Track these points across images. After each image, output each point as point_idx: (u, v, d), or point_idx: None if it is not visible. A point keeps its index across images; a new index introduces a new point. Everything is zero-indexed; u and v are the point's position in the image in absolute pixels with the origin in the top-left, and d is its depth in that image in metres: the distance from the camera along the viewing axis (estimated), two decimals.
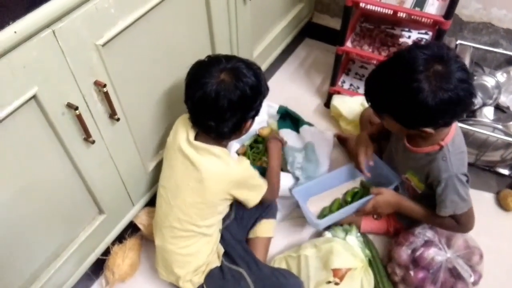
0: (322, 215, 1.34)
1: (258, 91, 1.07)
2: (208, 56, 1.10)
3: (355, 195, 1.36)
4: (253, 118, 1.13)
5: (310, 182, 1.36)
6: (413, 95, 0.93)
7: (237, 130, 1.10)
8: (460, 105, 0.96)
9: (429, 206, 1.19)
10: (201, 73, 1.04)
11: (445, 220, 1.16)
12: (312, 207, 1.36)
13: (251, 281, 1.17)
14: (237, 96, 1.02)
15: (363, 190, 1.37)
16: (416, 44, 1.01)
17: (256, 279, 1.17)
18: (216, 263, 1.21)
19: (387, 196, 1.23)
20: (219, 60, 1.06)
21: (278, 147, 1.38)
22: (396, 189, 1.29)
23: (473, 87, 0.96)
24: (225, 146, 1.15)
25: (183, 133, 1.11)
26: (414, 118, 0.99)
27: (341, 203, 1.36)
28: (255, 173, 1.19)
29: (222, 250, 1.23)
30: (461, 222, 1.14)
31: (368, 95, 1.07)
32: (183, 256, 1.16)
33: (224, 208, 1.19)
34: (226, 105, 1.02)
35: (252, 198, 1.19)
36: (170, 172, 1.14)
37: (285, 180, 1.35)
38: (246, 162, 1.17)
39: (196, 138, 1.10)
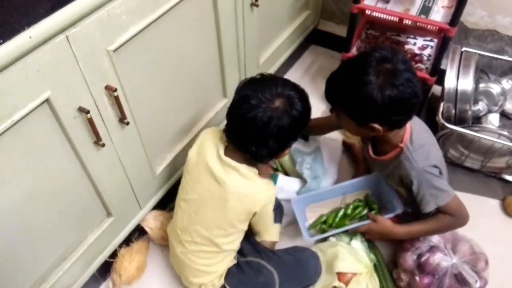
0: (318, 222, 1.34)
1: (306, 121, 1.06)
2: (261, 75, 1.08)
3: (356, 208, 1.35)
4: (292, 143, 1.11)
5: (312, 192, 1.36)
6: (361, 86, 0.99)
7: (275, 155, 1.08)
8: (405, 103, 1.00)
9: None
10: (255, 94, 1.00)
11: (441, 220, 1.16)
12: (310, 213, 1.37)
13: (271, 266, 1.18)
14: (287, 124, 1.00)
15: (365, 205, 1.36)
16: (372, 48, 1.10)
17: (275, 264, 1.18)
18: (232, 262, 1.21)
19: (380, 225, 1.25)
20: (275, 82, 1.03)
21: (268, 171, 1.38)
22: (399, 215, 1.28)
23: (419, 89, 1.01)
24: (255, 165, 1.12)
25: (212, 149, 1.09)
26: (363, 112, 1.04)
27: (339, 215, 1.34)
28: (274, 203, 1.17)
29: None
30: (453, 213, 1.14)
31: (326, 92, 1.12)
32: (208, 267, 1.16)
33: (245, 228, 1.17)
34: (275, 132, 1.00)
35: (263, 233, 1.22)
36: (194, 187, 1.13)
37: (293, 184, 1.36)
38: (272, 186, 1.15)
39: (226, 154, 1.08)
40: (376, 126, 1.05)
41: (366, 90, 0.98)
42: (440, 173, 1.13)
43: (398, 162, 1.14)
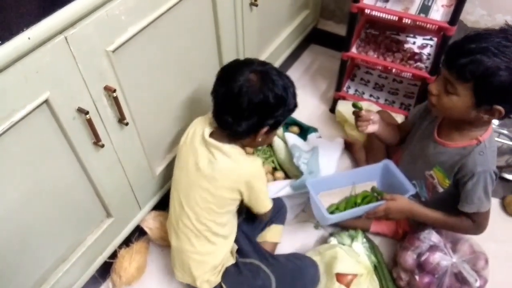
0: (328, 211, 1.32)
1: (282, 102, 1.07)
2: (247, 58, 1.13)
3: (364, 198, 1.34)
4: (272, 127, 1.11)
5: (325, 176, 1.38)
6: None
7: (251, 133, 1.09)
8: None
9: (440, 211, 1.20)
10: (232, 69, 1.07)
11: (461, 221, 1.16)
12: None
13: (270, 271, 1.18)
14: (258, 99, 1.03)
15: (373, 196, 1.35)
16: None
17: (273, 269, 1.18)
18: (231, 261, 1.21)
19: (400, 203, 1.22)
20: (252, 62, 1.09)
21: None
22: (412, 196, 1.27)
23: None
24: (241, 146, 1.14)
25: (199, 133, 1.12)
26: (502, 91, 0.97)
27: (351, 204, 1.33)
28: (264, 177, 1.18)
29: (235, 247, 1.23)
30: (479, 222, 1.15)
31: (460, 57, 0.98)
32: (201, 255, 1.16)
33: (235, 208, 1.19)
34: (246, 104, 1.03)
35: (255, 208, 1.19)
36: (182, 173, 1.15)
37: (286, 181, 1.37)
38: (258, 161, 1.16)
39: (211, 136, 1.11)
40: (499, 108, 0.99)
41: None
42: (492, 183, 1.13)
43: (467, 152, 1.11)
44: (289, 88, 1.08)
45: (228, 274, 1.19)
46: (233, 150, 1.10)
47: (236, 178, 1.10)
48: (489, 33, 0.99)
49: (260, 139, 1.12)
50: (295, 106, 1.13)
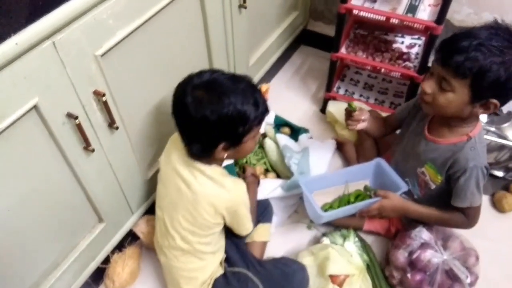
0: (323, 208, 1.33)
1: (228, 123, 0.98)
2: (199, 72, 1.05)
3: (357, 197, 1.35)
4: (230, 146, 1.04)
5: (318, 175, 1.38)
6: None
7: (206, 154, 1.04)
8: None
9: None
10: (178, 88, 1.02)
11: (454, 216, 1.18)
12: None
13: (258, 279, 1.17)
14: (198, 119, 0.97)
15: (366, 194, 1.36)
16: None
17: (262, 277, 1.18)
18: (220, 271, 1.21)
19: (393, 200, 1.23)
20: (201, 76, 1.02)
21: (255, 184, 1.38)
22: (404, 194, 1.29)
23: None
24: (219, 164, 1.11)
25: (175, 152, 1.09)
26: (499, 86, 0.98)
27: (344, 203, 1.34)
28: (247, 201, 1.14)
29: (223, 256, 1.23)
30: (471, 217, 1.17)
31: (455, 54, 0.99)
32: (190, 272, 1.16)
33: (219, 229, 1.16)
34: (189, 125, 1.01)
35: (236, 230, 1.19)
36: (165, 193, 1.13)
37: (277, 181, 1.37)
38: (241, 185, 1.12)
39: (190, 156, 1.07)
40: (495, 101, 1.01)
41: None
42: (484, 178, 1.14)
43: (458, 149, 1.12)
44: (236, 105, 0.97)
45: (217, 285, 1.18)
46: (215, 171, 1.07)
47: (218, 203, 1.08)
48: (479, 29, 1.01)
49: (225, 155, 1.06)
50: (263, 113, 1.05)
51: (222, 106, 0.96)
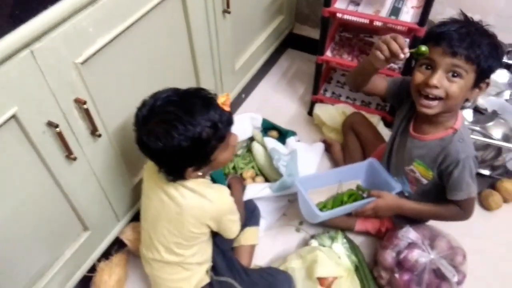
0: (318, 207, 1.32)
1: (186, 152, 0.96)
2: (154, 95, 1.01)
3: (351, 196, 1.35)
4: (200, 167, 1.04)
5: (312, 174, 1.40)
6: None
7: (178, 176, 1.04)
8: None
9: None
10: (141, 116, 0.99)
11: (449, 209, 1.18)
12: None
13: None
14: (157, 152, 0.97)
15: (358, 194, 1.36)
16: None
17: (247, 286, 1.18)
18: (206, 280, 1.20)
19: (388, 200, 1.24)
20: (140, 109, 1.00)
21: (239, 181, 1.38)
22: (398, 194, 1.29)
23: None
24: (202, 176, 1.08)
25: (155, 168, 1.07)
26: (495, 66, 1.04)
27: (338, 202, 1.34)
28: (233, 206, 1.14)
29: (210, 265, 1.23)
30: (467, 208, 1.18)
31: (461, 42, 1.02)
32: (175, 282, 1.15)
33: (205, 238, 1.16)
34: (150, 156, 1.02)
35: (224, 235, 1.19)
36: (149, 204, 1.13)
37: (265, 184, 1.38)
38: (225, 193, 1.12)
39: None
40: (488, 80, 1.07)
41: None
42: (476, 166, 1.16)
43: (446, 143, 1.13)
44: (187, 133, 0.94)
45: None
46: (196, 183, 1.07)
47: (202, 214, 1.08)
48: (453, 19, 1.10)
49: (199, 174, 1.05)
50: (225, 128, 1.01)
51: (171, 139, 0.93)
